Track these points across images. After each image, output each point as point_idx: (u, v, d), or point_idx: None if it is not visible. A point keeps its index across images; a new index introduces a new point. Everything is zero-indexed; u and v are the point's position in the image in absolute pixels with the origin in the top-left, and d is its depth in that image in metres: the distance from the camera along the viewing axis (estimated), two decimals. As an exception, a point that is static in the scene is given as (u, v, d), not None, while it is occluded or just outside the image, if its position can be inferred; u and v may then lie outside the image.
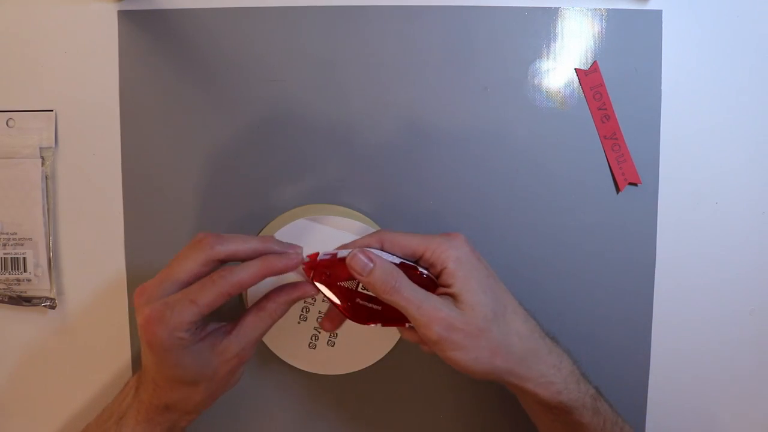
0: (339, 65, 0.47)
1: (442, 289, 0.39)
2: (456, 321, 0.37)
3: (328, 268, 0.40)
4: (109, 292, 0.49)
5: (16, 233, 0.48)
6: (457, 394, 0.49)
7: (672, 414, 0.49)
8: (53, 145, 0.48)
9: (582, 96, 0.47)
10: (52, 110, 0.48)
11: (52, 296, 0.48)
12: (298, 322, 0.47)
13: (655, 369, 0.49)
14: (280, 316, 0.40)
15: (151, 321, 0.36)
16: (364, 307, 0.40)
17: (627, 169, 0.48)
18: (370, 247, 0.40)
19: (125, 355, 0.49)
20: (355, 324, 0.46)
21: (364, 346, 0.48)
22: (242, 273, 0.38)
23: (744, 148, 0.48)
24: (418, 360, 0.49)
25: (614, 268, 0.48)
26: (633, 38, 0.47)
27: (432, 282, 0.40)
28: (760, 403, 0.49)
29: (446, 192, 0.48)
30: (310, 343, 0.48)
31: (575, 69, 0.47)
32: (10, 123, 0.48)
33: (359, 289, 0.40)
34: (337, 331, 0.47)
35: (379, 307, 0.40)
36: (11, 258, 0.48)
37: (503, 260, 0.48)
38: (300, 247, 0.40)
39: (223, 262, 0.39)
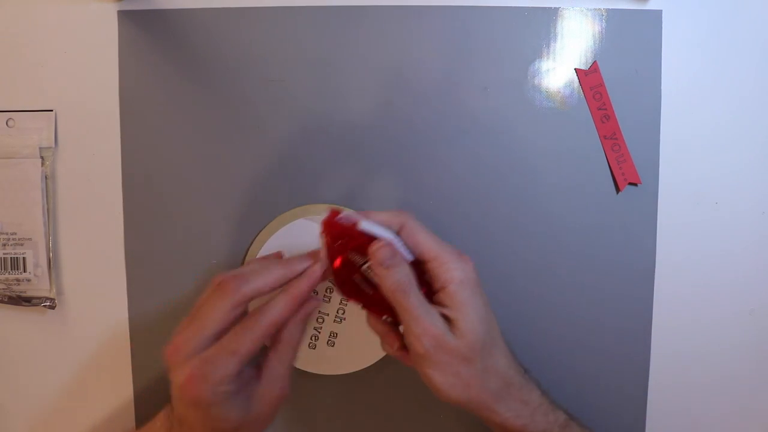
0: (339, 65, 0.47)
1: (437, 308, 0.39)
2: (447, 342, 0.37)
3: (344, 235, 0.39)
4: (109, 292, 0.49)
5: (15, 233, 0.48)
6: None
7: (672, 414, 0.49)
8: (53, 145, 0.48)
9: (582, 96, 0.47)
10: (52, 110, 0.48)
11: (51, 296, 0.48)
12: None
13: (655, 369, 0.49)
14: (300, 340, 0.41)
15: (194, 380, 0.36)
16: (356, 284, 0.40)
17: (627, 169, 0.48)
18: (390, 226, 0.40)
19: (125, 355, 0.49)
20: (355, 324, 0.46)
21: (364, 346, 0.48)
22: (274, 312, 0.38)
23: (744, 149, 0.48)
24: (406, 374, 0.49)
25: (614, 268, 0.48)
26: (633, 38, 0.47)
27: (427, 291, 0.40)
28: (760, 403, 0.49)
29: (446, 192, 0.48)
30: (310, 343, 0.48)
31: (575, 69, 0.47)
32: (10, 123, 0.48)
33: (362, 269, 0.40)
34: (337, 332, 0.47)
35: (370, 292, 0.40)
36: (11, 258, 0.48)
37: (503, 260, 0.48)
38: (318, 261, 0.40)
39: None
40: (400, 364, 0.48)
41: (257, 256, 0.47)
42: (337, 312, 0.47)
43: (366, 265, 0.40)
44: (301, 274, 0.40)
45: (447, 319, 0.38)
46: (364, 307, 0.41)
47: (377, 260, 0.38)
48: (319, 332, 0.47)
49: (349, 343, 0.47)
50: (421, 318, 0.37)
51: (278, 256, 0.46)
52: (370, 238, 0.39)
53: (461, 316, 0.38)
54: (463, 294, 0.38)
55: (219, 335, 0.37)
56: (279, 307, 0.38)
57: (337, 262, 0.40)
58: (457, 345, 0.37)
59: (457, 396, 0.38)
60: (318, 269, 0.40)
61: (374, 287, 0.40)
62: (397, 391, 0.49)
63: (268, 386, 0.39)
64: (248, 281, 0.38)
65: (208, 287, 0.40)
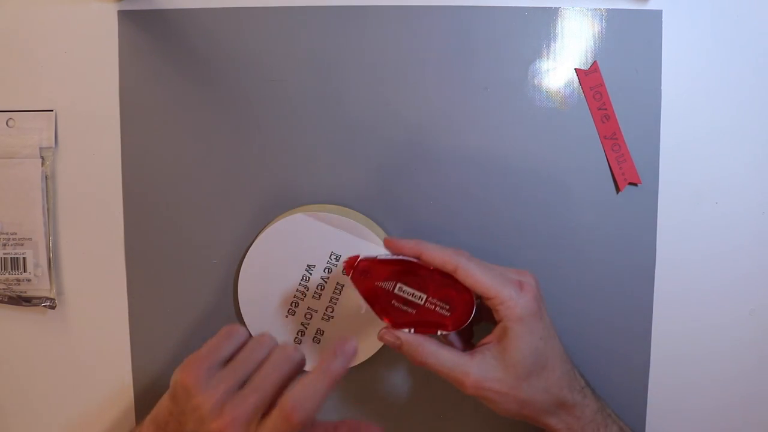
0: (339, 65, 0.47)
1: (488, 338, 0.41)
2: (484, 382, 0.40)
3: (368, 270, 0.41)
4: (109, 292, 0.49)
5: (16, 233, 0.48)
6: (454, 395, 0.49)
7: (672, 414, 0.49)
8: (53, 145, 0.48)
9: (582, 96, 0.47)
10: (52, 110, 0.48)
11: (51, 296, 0.48)
12: (286, 316, 0.47)
13: (655, 368, 0.49)
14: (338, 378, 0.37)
15: None
16: (399, 309, 0.41)
17: (627, 169, 0.48)
18: (444, 267, 0.40)
19: (125, 356, 0.49)
20: (343, 324, 0.46)
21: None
22: (319, 398, 0.35)
23: (744, 148, 0.48)
24: (405, 361, 0.49)
25: (614, 267, 0.48)
26: (633, 38, 0.47)
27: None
28: (760, 404, 0.49)
29: (445, 192, 0.48)
30: (296, 338, 0.47)
31: (575, 69, 0.47)
32: (10, 123, 0.48)
33: (396, 291, 0.41)
34: (324, 329, 0.47)
35: (414, 311, 0.41)
36: (11, 258, 0.48)
37: (503, 260, 0.48)
38: (350, 345, 0.37)
39: None
40: (384, 366, 0.49)
41: (258, 254, 0.47)
42: (326, 310, 0.47)
43: (398, 287, 0.41)
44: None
45: (498, 348, 0.40)
46: (417, 330, 0.41)
47: (388, 344, 0.41)
48: (306, 328, 0.47)
49: (331, 343, 0.47)
50: (452, 372, 0.40)
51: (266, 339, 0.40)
52: (393, 262, 0.41)
53: (511, 350, 0.40)
54: (517, 330, 0.40)
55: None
56: (319, 398, 0.35)
57: (375, 301, 0.41)
58: (497, 378, 0.40)
59: (511, 414, 0.41)
60: (352, 345, 0.37)
61: (415, 305, 0.41)
62: (389, 391, 0.49)
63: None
64: (306, 407, 0.34)
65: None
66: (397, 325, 0.41)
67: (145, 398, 0.49)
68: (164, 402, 0.38)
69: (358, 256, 0.41)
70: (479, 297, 0.41)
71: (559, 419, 0.41)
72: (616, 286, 0.48)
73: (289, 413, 0.34)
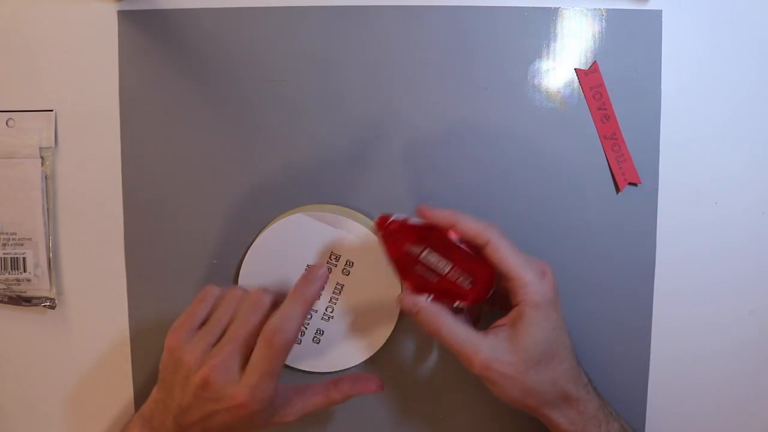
0: (339, 65, 0.47)
1: (502, 321, 0.41)
2: (493, 363, 0.39)
3: (399, 231, 0.41)
4: (109, 292, 0.49)
5: (15, 233, 0.48)
6: (454, 395, 0.49)
7: (672, 414, 0.49)
8: (53, 145, 0.48)
9: (582, 96, 0.47)
10: (52, 110, 0.48)
11: (51, 296, 0.48)
12: None
13: (654, 369, 0.49)
14: (336, 404, 0.43)
15: (256, 392, 0.38)
16: (421, 276, 0.41)
17: (627, 169, 0.48)
18: (476, 241, 0.41)
19: (125, 356, 0.49)
20: (342, 324, 0.46)
21: (348, 347, 0.47)
22: (297, 323, 0.39)
23: (744, 148, 0.48)
24: (404, 363, 0.49)
25: (614, 267, 0.48)
26: (633, 38, 0.47)
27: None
28: (760, 404, 0.49)
29: (445, 192, 0.48)
30: None
31: (575, 69, 0.47)
32: (10, 123, 0.48)
33: (422, 257, 0.41)
34: (324, 329, 0.47)
35: (436, 279, 0.41)
36: (11, 258, 0.48)
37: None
38: (323, 265, 0.42)
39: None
40: (384, 366, 0.49)
41: (258, 254, 0.47)
42: (326, 310, 0.47)
43: (425, 253, 0.41)
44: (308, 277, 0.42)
45: (511, 331, 0.40)
46: (435, 299, 0.41)
47: (405, 309, 0.41)
48: (306, 328, 0.47)
49: (334, 343, 0.47)
50: (462, 347, 0.40)
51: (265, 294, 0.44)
52: (424, 228, 0.41)
53: (522, 335, 0.40)
54: (533, 316, 0.40)
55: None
56: (297, 319, 0.39)
57: (400, 264, 0.42)
58: (507, 361, 0.39)
59: (514, 401, 0.41)
60: (324, 270, 0.42)
61: (438, 274, 0.41)
62: (377, 397, 0.49)
63: (291, 411, 0.42)
64: (285, 329, 0.39)
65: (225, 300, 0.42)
66: (416, 290, 0.42)
67: (145, 398, 0.49)
68: (151, 396, 0.43)
69: (390, 215, 0.41)
70: (498, 277, 0.41)
71: (562, 413, 0.41)
72: (616, 286, 0.48)
73: (271, 337, 0.38)
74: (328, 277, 0.43)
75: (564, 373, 0.41)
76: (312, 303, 0.41)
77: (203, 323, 0.41)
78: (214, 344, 0.40)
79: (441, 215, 0.41)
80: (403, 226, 0.41)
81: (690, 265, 0.48)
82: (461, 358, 0.40)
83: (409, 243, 0.41)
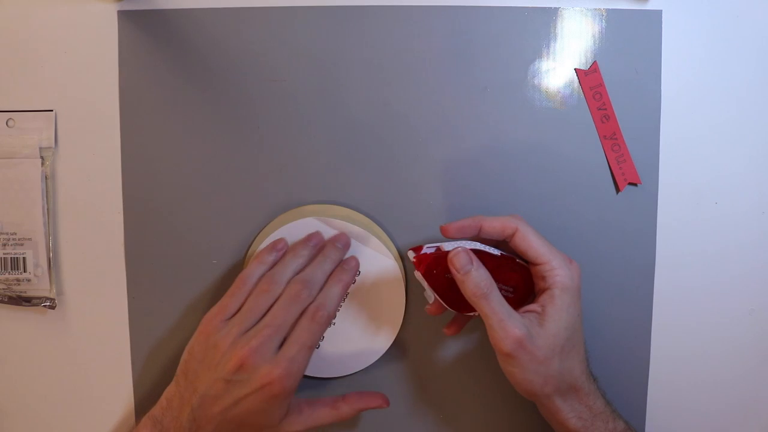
0: (339, 65, 0.47)
1: (532, 306, 0.42)
2: (528, 343, 0.39)
3: (436, 262, 0.41)
4: (109, 292, 0.49)
5: (15, 233, 0.48)
6: (454, 396, 0.49)
7: (672, 414, 0.49)
8: (53, 145, 0.48)
9: (582, 96, 0.47)
10: (52, 110, 0.48)
11: (51, 296, 0.48)
12: None
13: (654, 368, 0.49)
14: (345, 419, 0.45)
15: (286, 376, 0.40)
16: (463, 297, 0.41)
17: (627, 169, 0.48)
18: (504, 231, 0.42)
19: (125, 355, 0.49)
20: (343, 332, 0.47)
21: (348, 354, 0.47)
22: (334, 304, 0.43)
23: (744, 148, 0.48)
24: (406, 373, 0.49)
25: (614, 267, 0.48)
26: (633, 38, 0.47)
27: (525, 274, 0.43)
28: (760, 403, 0.49)
29: (445, 192, 0.48)
30: None
31: (575, 69, 0.47)
32: (10, 123, 0.48)
33: None
34: (324, 335, 0.47)
35: None
36: (11, 258, 0.48)
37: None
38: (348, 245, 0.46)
39: None
40: (384, 367, 0.48)
41: (259, 249, 0.47)
42: None
43: None
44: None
45: (539, 317, 0.41)
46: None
47: (454, 268, 0.41)
48: None
49: (334, 349, 0.47)
50: (504, 321, 0.39)
51: (281, 244, 0.47)
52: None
53: (553, 319, 0.40)
54: (563, 299, 0.41)
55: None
56: (336, 299, 0.43)
57: (441, 290, 0.42)
58: (538, 345, 0.40)
59: (534, 390, 0.41)
60: (356, 260, 0.46)
61: None
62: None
63: (297, 421, 0.43)
64: (327, 306, 0.43)
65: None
66: (461, 310, 0.42)
67: (145, 398, 0.49)
68: (164, 395, 0.43)
69: (422, 247, 0.42)
70: (533, 264, 0.42)
71: (572, 407, 0.42)
72: (616, 285, 0.48)
73: (314, 312, 0.42)
74: (359, 266, 0.46)
75: (579, 364, 0.42)
76: (348, 287, 0.45)
77: (235, 314, 0.43)
78: (247, 330, 0.41)
79: (467, 225, 0.42)
80: (438, 257, 0.41)
81: (690, 265, 0.48)
82: (496, 332, 0.39)
83: (448, 271, 0.41)
